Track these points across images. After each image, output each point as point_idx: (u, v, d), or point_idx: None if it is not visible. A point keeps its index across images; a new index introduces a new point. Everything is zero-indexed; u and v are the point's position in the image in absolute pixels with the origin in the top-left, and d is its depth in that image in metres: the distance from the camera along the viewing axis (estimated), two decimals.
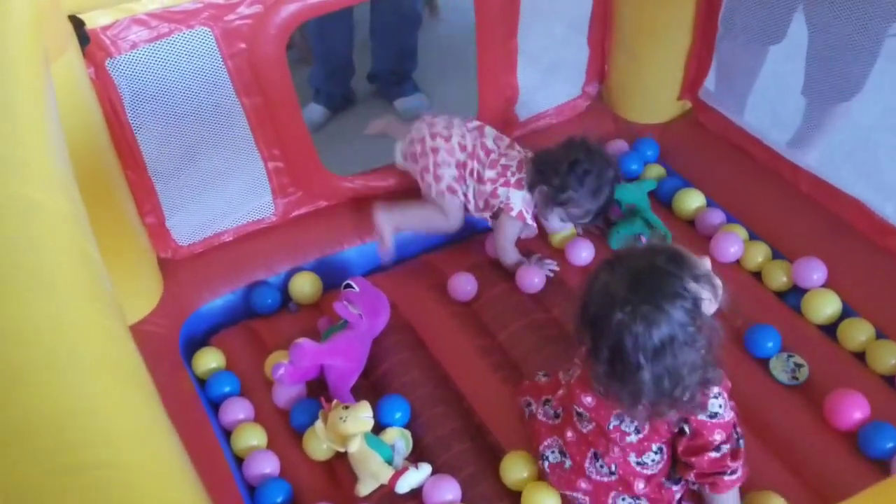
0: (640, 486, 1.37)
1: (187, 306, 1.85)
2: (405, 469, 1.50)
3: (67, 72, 1.43)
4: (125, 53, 1.56)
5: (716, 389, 1.28)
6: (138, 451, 0.72)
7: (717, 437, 1.29)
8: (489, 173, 1.87)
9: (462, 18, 2.70)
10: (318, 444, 1.55)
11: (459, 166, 1.88)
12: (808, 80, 2.05)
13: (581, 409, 1.38)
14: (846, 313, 1.72)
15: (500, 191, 1.85)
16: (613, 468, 1.38)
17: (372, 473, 1.49)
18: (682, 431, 1.31)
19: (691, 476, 1.33)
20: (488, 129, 1.94)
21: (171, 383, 1.67)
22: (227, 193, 1.84)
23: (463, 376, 1.71)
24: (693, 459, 1.31)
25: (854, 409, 1.52)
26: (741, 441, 1.33)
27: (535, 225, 1.89)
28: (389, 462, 1.51)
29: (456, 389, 1.69)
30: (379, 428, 1.57)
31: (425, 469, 1.51)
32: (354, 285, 1.78)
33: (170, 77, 1.63)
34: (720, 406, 1.29)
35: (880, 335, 1.67)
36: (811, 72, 2.03)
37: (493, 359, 1.74)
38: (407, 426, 1.61)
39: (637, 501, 1.39)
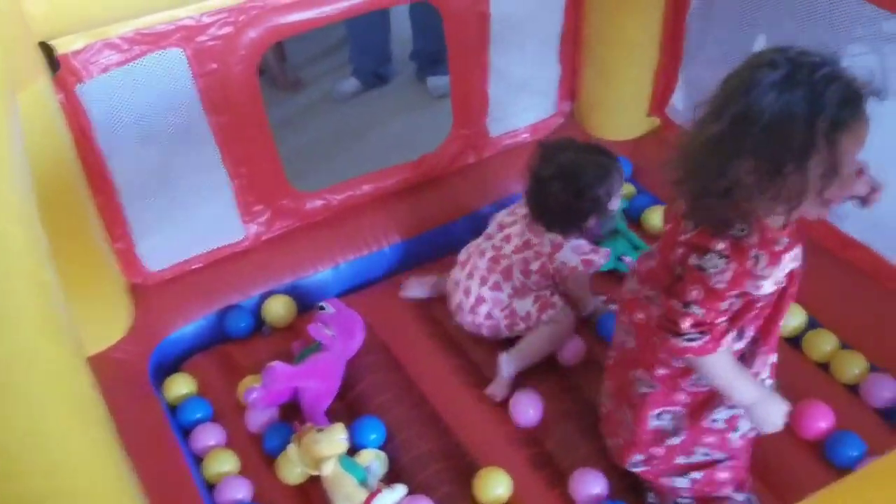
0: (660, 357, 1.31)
1: (158, 332, 1.84)
2: (379, 490, 1.50)
3: (37, 100, 1.43)
4: (96, 77, 1.56)
5: (721, 246, 1.15)
6: (86, 479, 0.72)
7: (693, 293, 1.17)
8: (532, 268, 1.73)
9: None
10: (292, 468, 1.55)
11: (506, 309, 1.76)
12: None
13: None
14: (811, 325, 1.76)
15: (554, 264, 1.73)
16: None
17: (346, 496, 1.49)
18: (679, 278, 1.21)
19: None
20: (486, 246, 1.79)
21: (140, 410, 1.66)
22: (197, 216, 1.84)
23: (439, 396, 1.72)
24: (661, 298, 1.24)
25: (819, 420, 1.55)
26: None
27: (599, 256, 1.77)
28: (364, 484, 1.51)
29: (432, 409, 1.70)
30: (354, 450, 1.57)
31: (400, 490, 1.51)
32: (328, 307, 1.78)
33: (140, 99, 1.63)
34: (715, 267, 1.16)
35: (844, 346, 1.71)
36: None
37: (470, 378, 1.75)
38: (382, 447, 1.62)
39: (652, 381, 1.34)
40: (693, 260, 1.18)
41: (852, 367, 1.66)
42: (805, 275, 1.77)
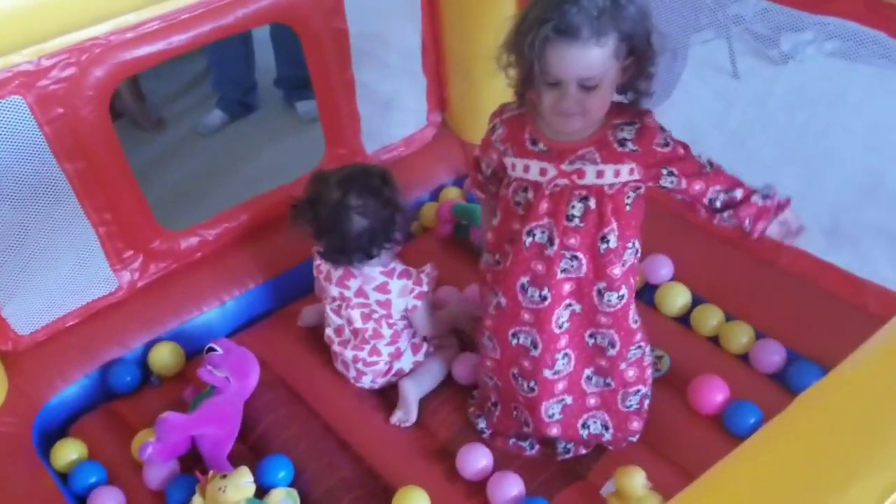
0: None
1: (38, 399, 1.73)
2: None
3: None
4: None
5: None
6: None
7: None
8: (384, 332, 1.68)
9: None
10: None
11: (388, 373, 1.73)
12: None
13: None
14: (696, 302, 1.83)
15: (395, 317, 1.68)
16: None
17: None
18: None
19: None
20: (340, 331, 1.73)
21: (29, 483, 1.57)
22: (64, 270, 1.75)
23: (344, 423, 1.69)
24: None
25: (715, 393, 1.60)
26: None
27: (424, 284, 1.66)
28: None
29: (340, 438, 1.66)
30: (262, 492, 1.52)
31: None
32: (218, 348, 1.72)
33: None
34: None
35: (730, 318, 1.78)
36: None
37: (372, 401, 1.73)
38: (292, 484, 1.57)
39: None
40: None
41: (740, 336, 1.73)
42: (685, 256, 1.87)
